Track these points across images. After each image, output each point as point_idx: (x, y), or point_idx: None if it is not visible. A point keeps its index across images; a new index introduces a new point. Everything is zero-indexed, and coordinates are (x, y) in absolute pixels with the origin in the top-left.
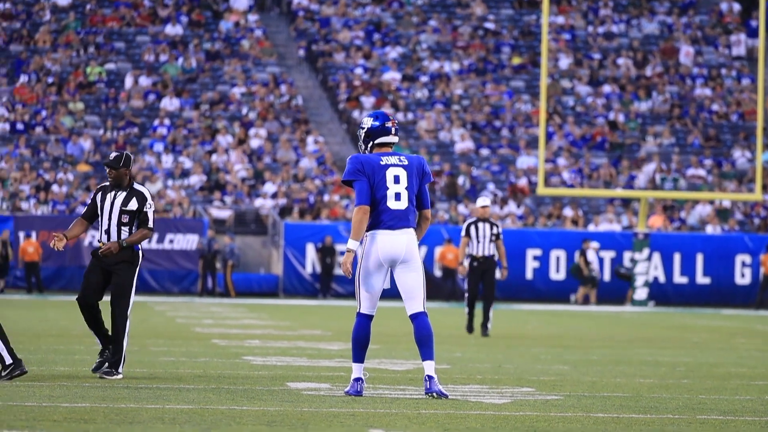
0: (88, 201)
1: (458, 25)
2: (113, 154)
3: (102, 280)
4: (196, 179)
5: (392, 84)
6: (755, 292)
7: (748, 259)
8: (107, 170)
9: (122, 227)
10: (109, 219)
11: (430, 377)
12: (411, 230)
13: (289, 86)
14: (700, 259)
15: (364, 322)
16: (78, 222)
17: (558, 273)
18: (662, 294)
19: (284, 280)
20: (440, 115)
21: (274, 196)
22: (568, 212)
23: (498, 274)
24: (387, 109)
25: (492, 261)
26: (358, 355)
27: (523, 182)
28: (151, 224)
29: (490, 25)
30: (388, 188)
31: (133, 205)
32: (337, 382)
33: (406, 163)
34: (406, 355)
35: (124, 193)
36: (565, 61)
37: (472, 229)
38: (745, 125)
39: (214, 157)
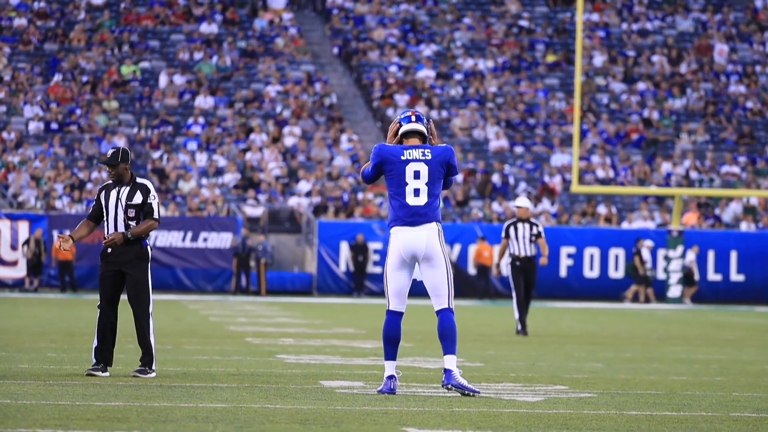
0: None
1: (492, 23)
2: (110, 151)
3: (116, 286)
4: (230, 177)
5: (426, 82)
6: None
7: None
8: (107, 169)
9: (129, 222)
10: (115, 215)
11: (448, 371)
12: (432, 225)
13: (324, 84)
14: (734, 256)
15: (392, 319)
16: (84, 223)
17: (592, 271)
18: (697, 291)
19: (318, 278)
20: (474, 113)
21: (308, 194)
22: (602, 210)
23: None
24: (421, 107)
25: (533, 261)
26: (390, 353)
27: (557, 180)
28: (156, 215)
29: (524, 23)
30: (407, 184)
31: (137, 198)
32: (370, 380)
33: (429, 157)
34: (439, 354)
35: (128, 188)
36: (599, 59)
37: (512, 230)
38: None
39: (248, 156)
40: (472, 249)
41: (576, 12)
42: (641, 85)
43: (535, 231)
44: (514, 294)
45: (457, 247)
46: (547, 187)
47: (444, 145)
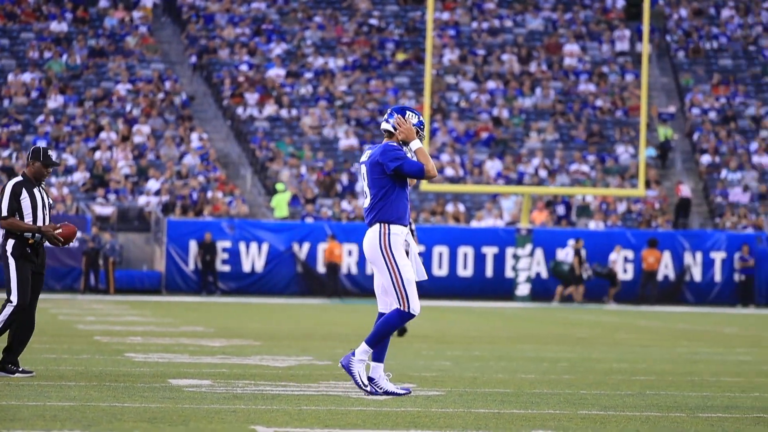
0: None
1: (343, 22)
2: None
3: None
4: (80, 176)
5: (276, 80)
6: (637, 287)
7: (630, 254)
8: (50, 169)
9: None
10: (46, 215)
11: (352, 353)
12: (374, 227)
13: (174, 83)
14: (583, 255)
15: (377, 318)
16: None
17: (441, 269)
18: (545, 290)
19: (167, 276)
20: (324, 112)
21: (158, 192)
22: (450, 208)
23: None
24: (271, 106)
25: None
26: (371, 342)
27: None
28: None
29: (374, 21)
30: (362, 185)
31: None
32: (218, 378)
33: (367, 158)
34: (288, 352)
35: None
36: (449, 57)
37: None
38: (628, 121)
39: (97, 154)
40: (322, 247)
41: (426, 10)
42: (491, 84)
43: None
44: None
45: (307, 246)
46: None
47: (386, 143)
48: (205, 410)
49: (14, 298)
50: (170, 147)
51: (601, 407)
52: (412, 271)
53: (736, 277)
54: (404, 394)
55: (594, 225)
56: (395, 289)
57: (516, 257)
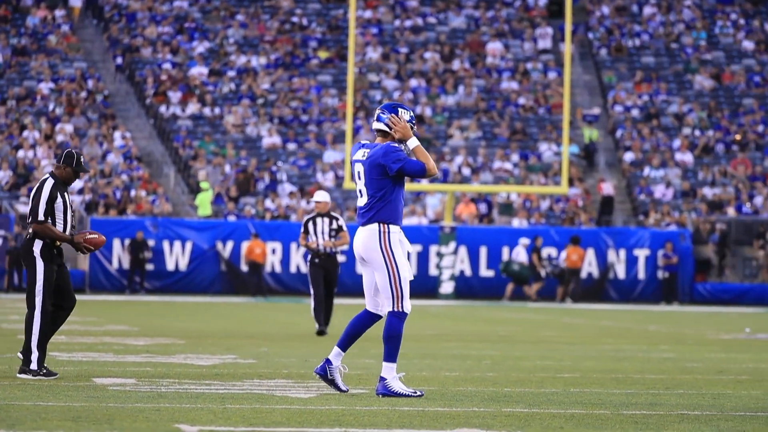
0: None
1: (265, 20)
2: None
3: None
4: (2, 175)
5: (199, 78)
6: (561, 284)
7: (554, 252)
8: (80, 175)
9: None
10: (70, 218)
11: (382, 378)
12: (372, 227)
13: (96, 81)
14: (506, 252)
15: (361, 313)
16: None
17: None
18: (468, 288)
19: (91, 275)
20: (247, 110)
21: (81, 191)
22: None
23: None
24: (194, 104)
25: (334, 258)
26: (342, 340)
27: (329, 176)
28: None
29: (297, 19)
30: (356, 184)
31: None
32: (143, 377)
33: (365, 158)
34: (212, 350)
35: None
36: (372, 55)
37: (311, 225)
38: (551, 119)
39: (20, 153)
40: (245, 246)
41: (349, 8)
42: (414, 82)
43: (335, 225)
44: (312, 292)
45: (230, 244)
46: (319, 185)
47: (387, 143)
48: (130, 409)
49: (39, 302)
50: (93, 146)
51: (525, 405)
52: (409, 271)
53: (660, 274)
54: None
55: (517, 223)
56: (392, 288)
57: (440, 255)
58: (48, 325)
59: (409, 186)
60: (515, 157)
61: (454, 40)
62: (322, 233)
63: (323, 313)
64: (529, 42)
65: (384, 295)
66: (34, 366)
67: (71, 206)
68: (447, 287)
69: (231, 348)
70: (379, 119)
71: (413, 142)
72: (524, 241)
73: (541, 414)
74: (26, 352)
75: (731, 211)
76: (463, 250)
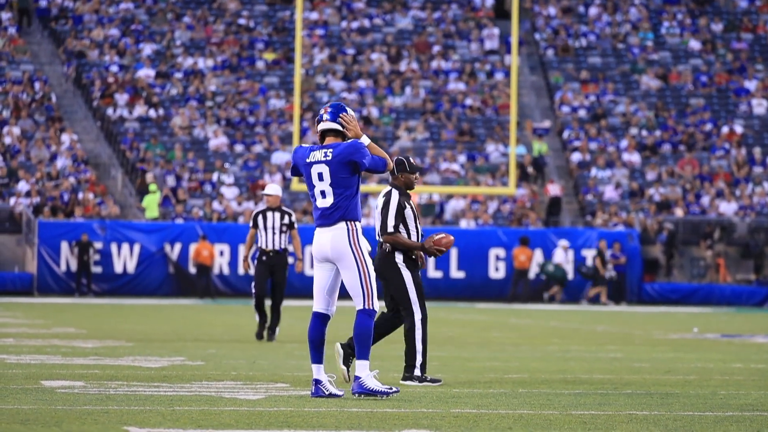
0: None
1: (212, 22)
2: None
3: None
4: None
5: (146, 81)
6: (509, 285)
7: (502, 252)
8: (417, 175)
9: None
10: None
11: (356, 377)
12: (340, 225)
13: (43, 84)
14: (454, 253)
15: (313, 320)
16: None
17: (311, 269)
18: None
19: (38, 278)
20: (194, 112)
21: (28, 194)
22: None
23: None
24: (141, 107)
25: (284, 255)
26: (313, 356)
27: (277, 178)
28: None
29: (243, 21)
30: (314, 186)
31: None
32: (91, 380)
33: (329, 157)
34: (160, 353)
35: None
36: (319, 57)
37: (260, 219)
38: (499, 119)
39: None
40: (193, 248)
41: (295, 10)
42: (361, 83)
43: (287, 221)
44: (253, 291)
45: (178, 246)
46: (257, 185)
47: (349, 141)
48: (78, 411)
49: (417, 310)
50: (40, 148)
51: (473, 406)
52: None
53: (608, 274)
54: (314, 396)
55: (465, 224)
56: (362, 286)
57: None
58: (427, 331)
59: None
60: (462, 158)
61: (401, 41)
62: (273, 228)
63: (268, 317)
64: (475, 43)
65: (353, 293)
66: (417, 372)
67: (414, 213)
68: None
69: (179, 350)
70: (331, 119)
71: (366, 140)
72: (564, 243)
73: (489, 415)
74: (409, 353)
75: (679, 212)
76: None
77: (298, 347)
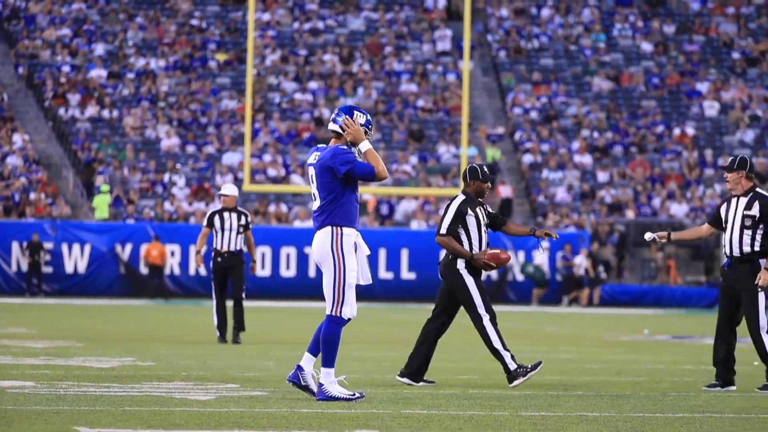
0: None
1: (164, 22)
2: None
3: None
4: None
5: (98, 81)
6: None
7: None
8: (490, 184)
9: None
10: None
11: (320, 384)
12: (325, 230)
13: None
14: (405, 254)
15: (324, 321)
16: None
17: (264, 270)
18: (367, 289)
19: None
20: (146, 112)
21: None
22: (272, 208)
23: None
24: (93, 107)
25: (240, 256)
26: (311, 345)
27: (228, 178)
28: None
29: (196, 22)
30: (311, 187)
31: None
32: (41, 380)
33: (316, 161)
34: (111, 353)
35: None
36: (271, 58)
37: (216, 219)
38: (450, 121)
39: None
40: (145, 248)
41: (248, 11)
42: (313, 84)
43: (243, 221)
44: (213, 295)
45: (129, 247)
46: (202, 187)
47: (334, 146)
48: (29, 411)
49: (483, 313)
50: None
51: (424, 406)
52: (356, 277)
53: (559, 276)
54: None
55: (416, 225)
56: (334, 291)
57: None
58: (499, 329)
59: (308, 189)
60: (414, 160)
61: (353, 42)
62: (229, 229)
63: (231, 320)
64: (428, 44)
65: (326, 297)
66: (512, 367)
67: (482, 222)
68: None
69: (130, 350)
70: (334, 121)
71: (365, 146)
72: (545, 244)
73: (440, 415)
74: (497, 357)
75: (630, 213)
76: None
77: (249, 347)
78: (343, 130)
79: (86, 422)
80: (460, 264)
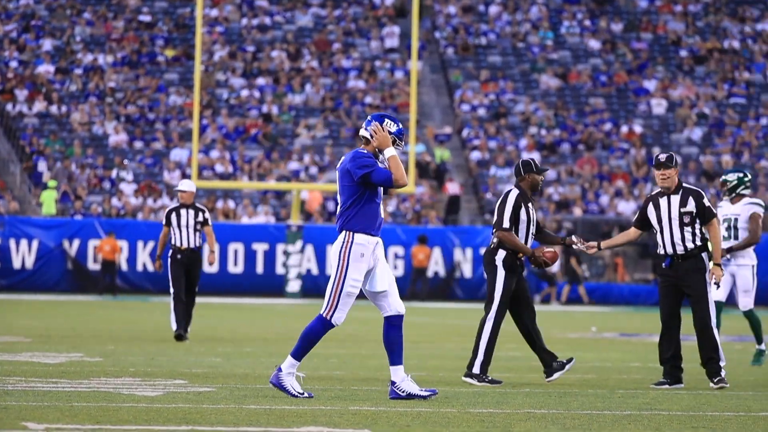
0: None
1: (112, 18)
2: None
3: None
4: None
5: (46, 76)
6: (407, 284)
7: (400, 251)
8: (543, 177)
9: None
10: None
11: (278, 368)
12: (341, 235)
13: None
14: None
15: (383, 325)
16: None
17: (211, 266)
18: (315, 286)
19: None
20: (94, 108)
21: None
22: (220, 204)
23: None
24: (40, 102)
25: (198, 253)
26: (389, 358)
27: (176, 175)
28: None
29: (144, 18)
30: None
31: None
32: None
33: (339, 165)
34: (58, 349)
35: None
36: (219, 54)
37: (174, 216)
38: (400, 118)
39: None
40: (93, 244)
41: (196, 7)
42: (261, 80)
43: (201, 218)
44: (171, 291)
45: (77, 243)
46: (149, 184)
47: (354, 150)
48: None
49: (495, 310)
50: None
51: (372, 403)
52: (356, 288)
53: (586, 273)
54: (429, 395)
55: None
56: (330, 295)
57: (287, 254)
58: (498, 332)
59: (256, 185)
60: None
61: (301, 38)
62: (186, 226)
63: (184, 316)
64: (376, 41)
65: (324, 297)
66: (476, 370)
67: (533, 217)
68: (294, 286)
69: (77, 346)
70: (365, 127)
71: (389, 152)
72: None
73: (387, 412)
74: (473, 355)
75: (577, 211)
76: (309, 249)
77: (196, 344)
78: (372, 137)
79: (34, 418)
80: (499, 256)
